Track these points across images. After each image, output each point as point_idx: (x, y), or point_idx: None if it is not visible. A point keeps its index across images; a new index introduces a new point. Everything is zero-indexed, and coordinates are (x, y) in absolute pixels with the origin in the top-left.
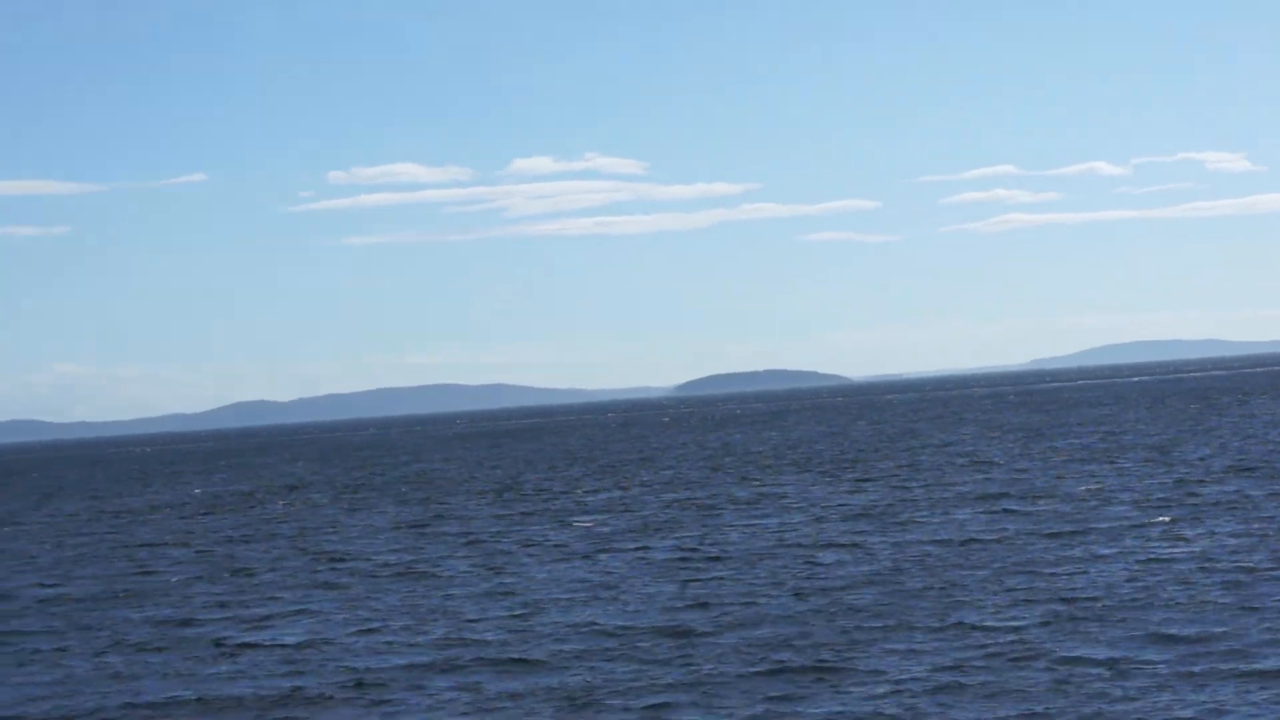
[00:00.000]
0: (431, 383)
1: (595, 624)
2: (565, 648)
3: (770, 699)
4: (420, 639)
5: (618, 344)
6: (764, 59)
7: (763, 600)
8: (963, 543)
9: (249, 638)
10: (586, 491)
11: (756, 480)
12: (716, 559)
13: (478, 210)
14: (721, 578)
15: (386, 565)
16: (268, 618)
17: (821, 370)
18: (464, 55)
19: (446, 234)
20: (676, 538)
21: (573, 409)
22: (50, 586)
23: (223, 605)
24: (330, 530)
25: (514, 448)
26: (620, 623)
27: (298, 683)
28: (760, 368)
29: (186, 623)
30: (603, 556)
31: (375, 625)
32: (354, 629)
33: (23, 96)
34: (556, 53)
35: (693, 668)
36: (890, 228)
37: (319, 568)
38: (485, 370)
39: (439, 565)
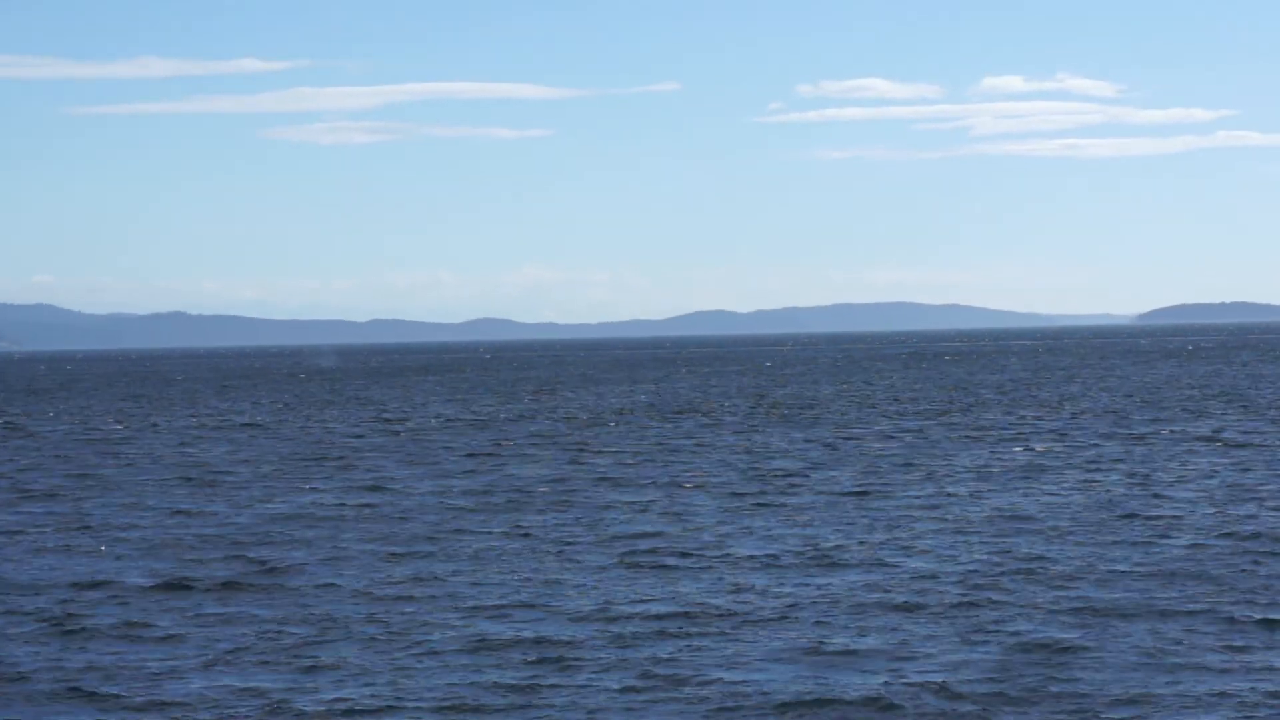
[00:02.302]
0: (889, 300)
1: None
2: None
3: None
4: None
5: (1079, 269)
6: None
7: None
8: None
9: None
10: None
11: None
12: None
13: (945, 128)
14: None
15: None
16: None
17: None
18: None
19: (912, 150)
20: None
21: (1028, 333)
22: None
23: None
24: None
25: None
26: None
27: None
28: (1228, 299)
29: None
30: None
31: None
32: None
33: (504, 3)
34: None
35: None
36: None
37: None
38: (944, 290)
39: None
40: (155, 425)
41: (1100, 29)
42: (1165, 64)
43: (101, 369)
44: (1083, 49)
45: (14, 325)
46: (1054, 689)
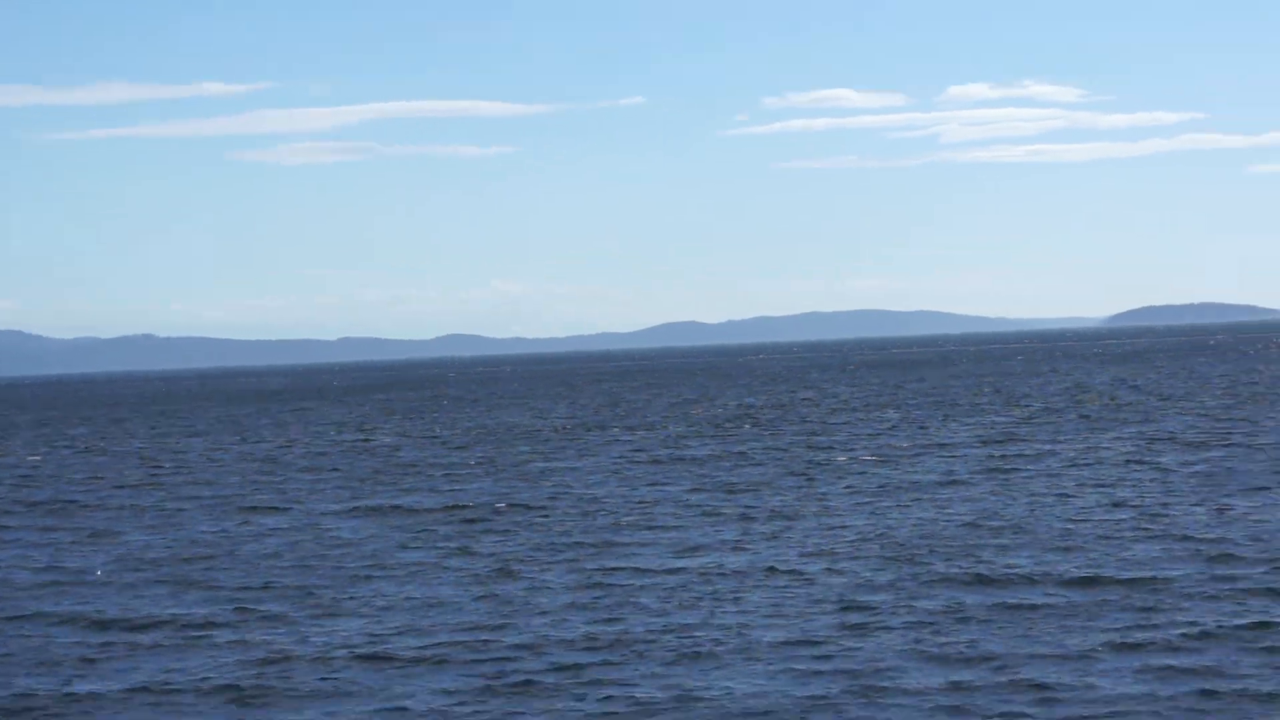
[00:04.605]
0: (859, 308)
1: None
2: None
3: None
4: None
5: (1049, 273)
6: None
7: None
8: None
9: None
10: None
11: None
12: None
13: (913, 137)
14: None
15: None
16: None
17: (1260, 304)
18: None
19: (880, 159)
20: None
21: (998, 338)
22: None
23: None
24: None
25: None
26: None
27: None
28: (1196, 300)
29: None
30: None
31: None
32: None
33: (468, 19)
34: None
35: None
36: None
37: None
38: (914, 296)
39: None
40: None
41: (1064, 36)
42: (1129, 69)
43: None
44: (1047, 56)
45: None
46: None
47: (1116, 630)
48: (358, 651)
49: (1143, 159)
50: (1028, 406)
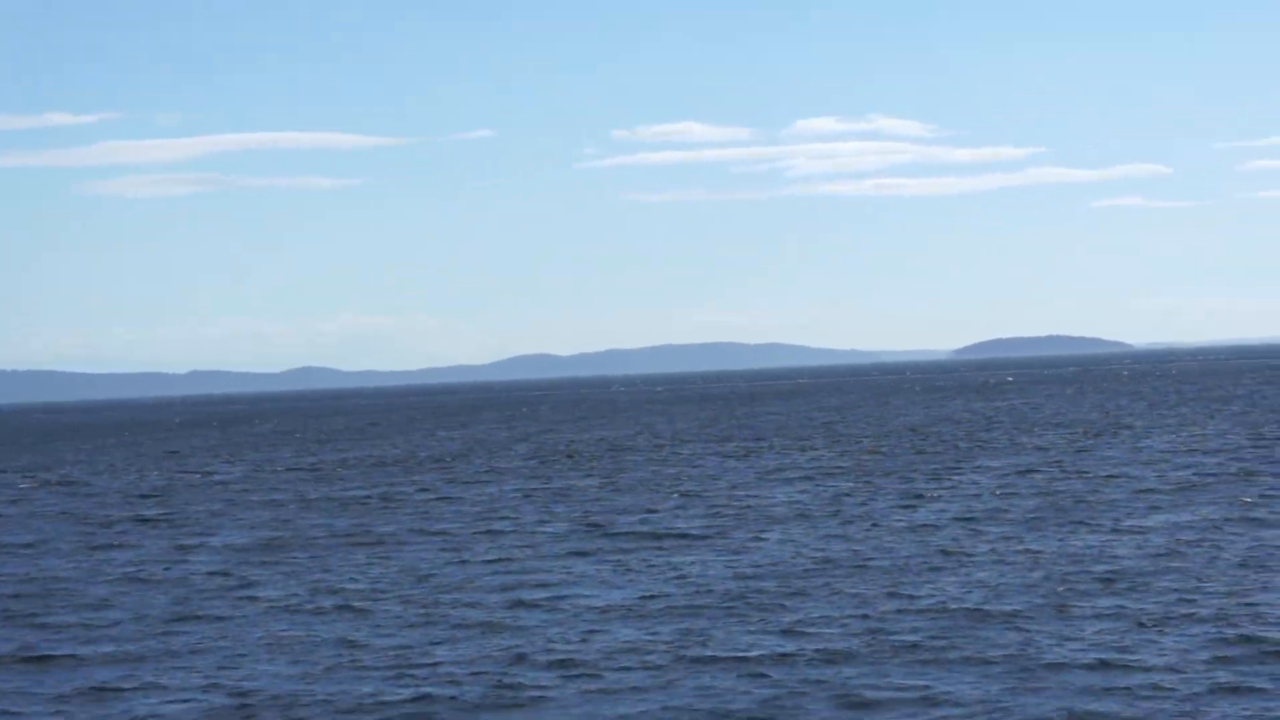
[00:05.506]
0: (710, 341)
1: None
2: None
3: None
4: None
5: (898, 306)
6: (1049, 19)
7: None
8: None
9: None
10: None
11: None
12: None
13: (760, 170)
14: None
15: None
16: None
17: (1105, 337)
18: (745, 13)
19: (728, 192)
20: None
21: (850, 370)
22: None
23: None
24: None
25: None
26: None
27: None
28: (1042, 333)
29: None
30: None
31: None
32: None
33: (318, 52)
34: (838, 11)
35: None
36: (1182, 194)
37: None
38: (764, 330)
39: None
40: None
41: (911, 70)
42: (975, 103)
43: None
44: (894, 90)
45: None
46: None
47: (968, 664)
48: (215, 700)
49: (989, 193)
50: (875, 440)
